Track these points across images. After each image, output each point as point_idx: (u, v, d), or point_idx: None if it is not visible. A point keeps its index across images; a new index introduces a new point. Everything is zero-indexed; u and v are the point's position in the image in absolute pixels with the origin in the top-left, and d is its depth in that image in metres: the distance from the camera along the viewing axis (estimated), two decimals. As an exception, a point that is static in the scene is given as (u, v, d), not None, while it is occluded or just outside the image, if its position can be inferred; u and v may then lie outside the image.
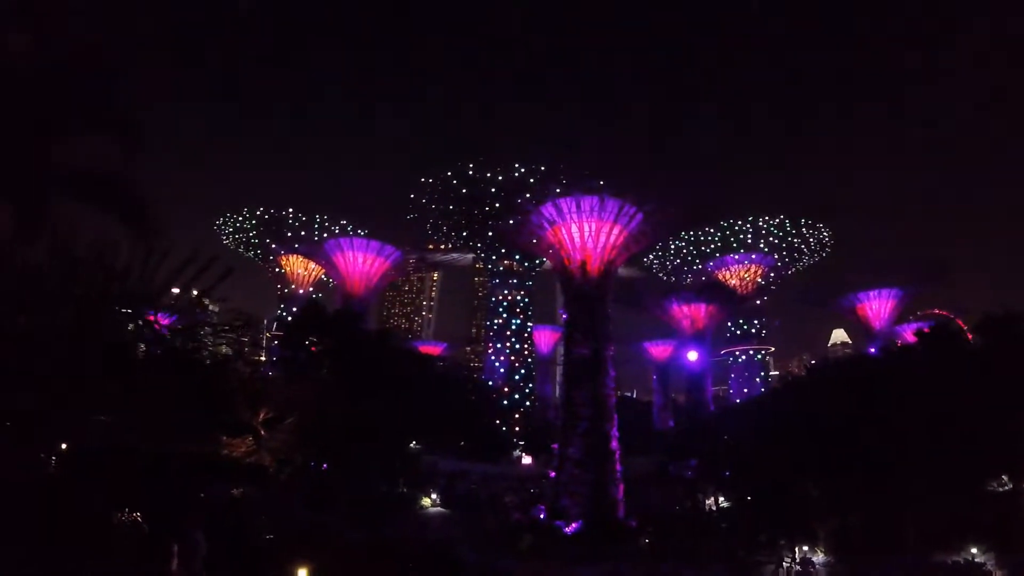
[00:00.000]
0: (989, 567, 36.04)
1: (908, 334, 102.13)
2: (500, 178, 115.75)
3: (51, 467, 17.87)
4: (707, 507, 64.00)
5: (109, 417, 17.06)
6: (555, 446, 72.18)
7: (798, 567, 41.43)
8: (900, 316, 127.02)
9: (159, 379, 18.18)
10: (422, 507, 61.89)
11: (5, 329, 12.30)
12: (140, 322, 17.87)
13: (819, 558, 42.96)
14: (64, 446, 17.59)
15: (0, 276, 12.60)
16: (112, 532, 17.87)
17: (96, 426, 16.75)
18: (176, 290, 16.64)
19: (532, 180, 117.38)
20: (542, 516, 60.69)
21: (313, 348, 55.62)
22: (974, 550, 36.89)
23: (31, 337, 12.72)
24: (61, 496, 15.18)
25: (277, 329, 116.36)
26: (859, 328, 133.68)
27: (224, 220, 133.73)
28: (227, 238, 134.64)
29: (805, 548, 44.19)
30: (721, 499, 62.04)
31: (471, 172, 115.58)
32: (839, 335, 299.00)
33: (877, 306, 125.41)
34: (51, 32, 14.74)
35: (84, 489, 16.28)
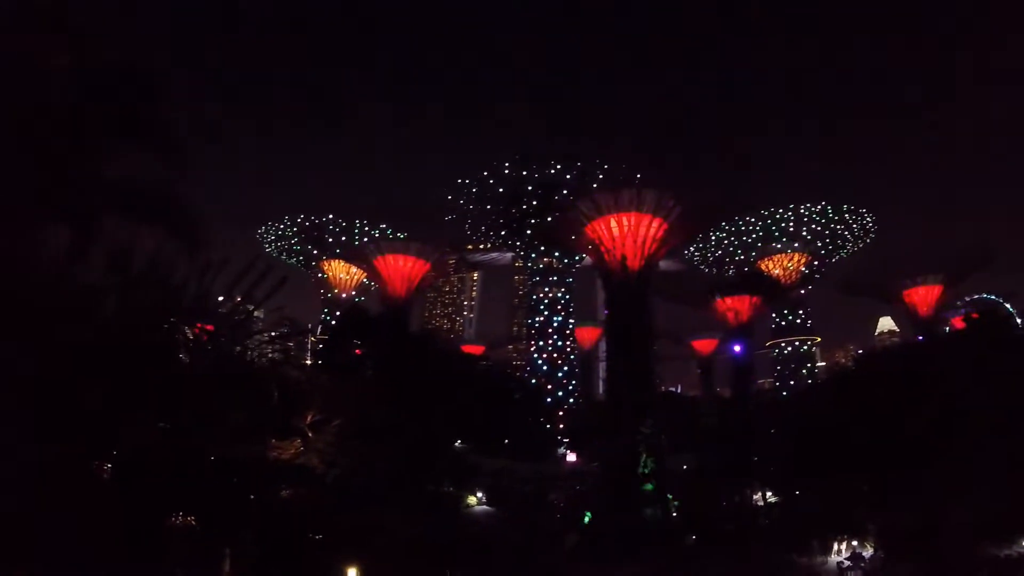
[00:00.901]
0: None
1: (956, 320, 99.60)
2: (537, 176, 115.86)
3: (107, 473, 18.45)
4: (754, 502, 63.26)
5: (164, 423, 17.63)
6: (599, 443, 72.05)
7: (848, 562, 40.83)
8: (947, 302, 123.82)
9: (210, 385, 18.74)
10: (467, 505, 62.27)
11: (65, 342, 12.82)
12: (193, 333, 18.47)
13: (868, 552, 42.27)
14: (116, 452, 18.14)
15: (58, 292, 13.12)
16: (166, 535, 18.41)
17: (150, 432, 17.32)
18: (228, 299, 17.13)
19: (569, 176, 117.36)
20: (587, 514, 60.66)
21: (357, 351, 56.43)
22: None
23: (90, 350, 13.24)
24: (117, 501, 15.68)
25: (322, 333, 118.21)
26: (906, 316, 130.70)
27: (266, 228, 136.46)
28: (269, 246, 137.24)
29: (855, 543, 43.54)
30: (768, 494, 61.28)
31: (508, 171, 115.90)
32: (886, 323, 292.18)
33: (923, 293, 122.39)
34: (94, 50, 15.21)
35: (139, 494, 16.79)
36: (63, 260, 13.58)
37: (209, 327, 17.77)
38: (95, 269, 13.86)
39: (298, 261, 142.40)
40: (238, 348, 20.11)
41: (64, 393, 12.40)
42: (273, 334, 26.11)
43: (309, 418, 35.53)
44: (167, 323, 16.23)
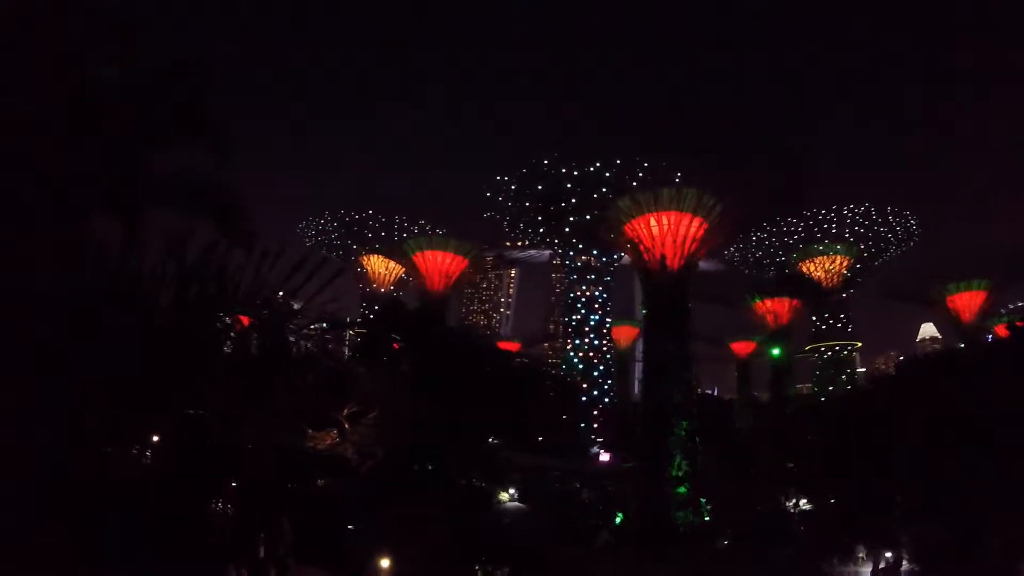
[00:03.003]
0: None
1: (1000, 328, 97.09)
2: (576, 173, 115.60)
3: (145, 461, 18.99)
4: (788, 508, 62.55)
5: (204, 411, 18.12)
6: (634, 443, 71.82)
7: (881, 572, 40.25)
8: (992, 309, 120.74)
9: (250, 374, 19.19)
10: (500, 502, 62.60)
11: (113, 329, 13.27)
12: (232, 320, 18.90)
13: (904, 565, 41.61)
14: (156, 439, 18.63)
15: (113, 280, 13.56)
16: (204, 523, 18.89)
17: (191, 421, 17.82)
18: (282, 291, 17.50)
19: (608, 174, 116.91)
20: (619, 514, 60.60)
21: (395, 345, 56.97)
22: None
23: (135, 338, 13.67)
24: (156, 489, 16.16)
25: (360, 327, 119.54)
26: (949, 322, 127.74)
27: (307, 223, 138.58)
28: (310, 240, 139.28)
29: (888, 554, 42.85)
30: (803, 501, 60.55)
31: (547, 167, 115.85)
32: (928, 330, 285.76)
33: (967, 299, 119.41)
34: (145, 42, 15.63)
35: (179, 480, 17.27)
36: (117, 251, 14.03)
37: (258, 319, 18.16)
38: (151, 261, 14.28)
39: (338, 255, 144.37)
40: (290, 339, 20.54)
41: (114, 384, 12.83)
42: (313, 327, 26.54)
43: (346, 410, 36.13)
44: (221, 315, 16.67)
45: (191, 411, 17.28)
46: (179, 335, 14.50)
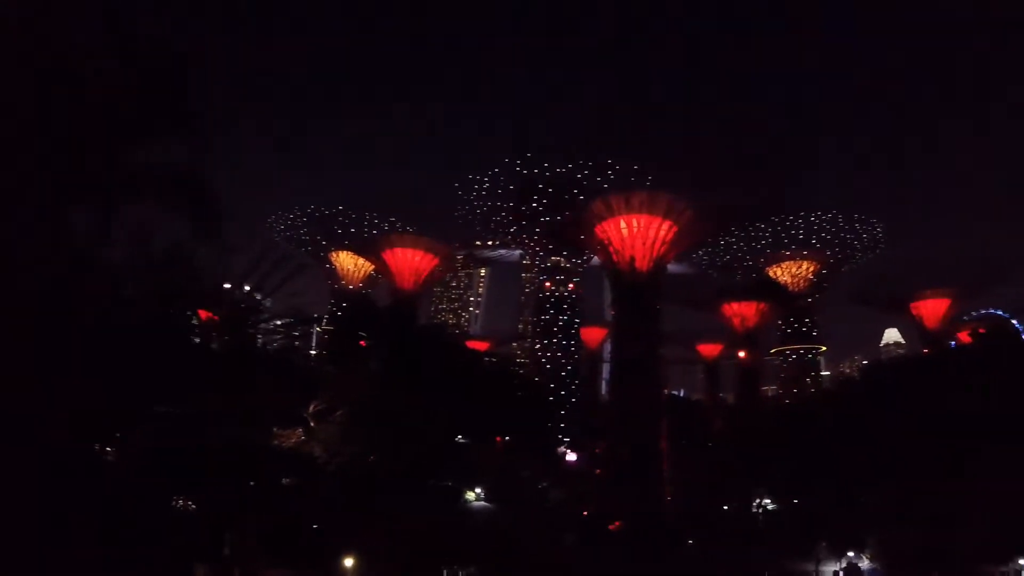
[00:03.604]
0: None
1: (963, 335, 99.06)
2: (548, 174, 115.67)
3: (110, 457, 18.52)
4: (755, 509, 63.16)
5: (167, 409, 17.68)
6: (601, 444, 72.03)
7: (844, 571, 40.71)
8: (955, 317, 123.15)
9: (217, 371, 18.78)
10: (468, 501, 62.27)
11: (80, 324, 12.86)
12: (199, 316, 18.51)
13: (865, 564, 42.14)
14: (119, 435, 18.20)
15: (80, 275, 13.16)
16: (168, 520, 18.48)
17: (155, 418, 17.38)
18: (242, 287, 17.19)
19: (581, 176, 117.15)
20: (586, 513, 60.65)
21: (363, 343, 56.47)
22: (1022, 561, 35.81)
23: (103, 332, 13.28)
24: (120, 486, 15.74)
25: (328, 324, 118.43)
26: (913, 328, 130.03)
27: (276, 217, 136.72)
28: (279, 235, 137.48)
29: (851, 553, 43.35)
30: (768, 502, 61.17)
31: (519, 168, 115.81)
32: (892, 335, 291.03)
33: (932, 306, 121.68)
34: (123, 35, 15.26)
35: (142, 479, 16.85)
36: (86, 243, 13.64)
37: (220, 314, 17.84)
38: (119, 252, 13.91)
39: (306, 251, 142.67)
40: (255, 335, 20.24)
41: (81, 374, 12.44)
42: (279, 323, 26.15)
43: (313, 407, 35.67)
44: (187, 307, 16.35)
45: (155, 408, 16.90)
46: (144, 329, 14.15)
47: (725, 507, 62.83)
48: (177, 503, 19.63)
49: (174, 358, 15.40)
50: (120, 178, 15.37)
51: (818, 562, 44.52)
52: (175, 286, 14.52)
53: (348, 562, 25.63)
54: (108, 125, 14.56)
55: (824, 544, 45.16)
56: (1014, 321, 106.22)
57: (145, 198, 16.24)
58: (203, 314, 19.45)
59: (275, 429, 28.06)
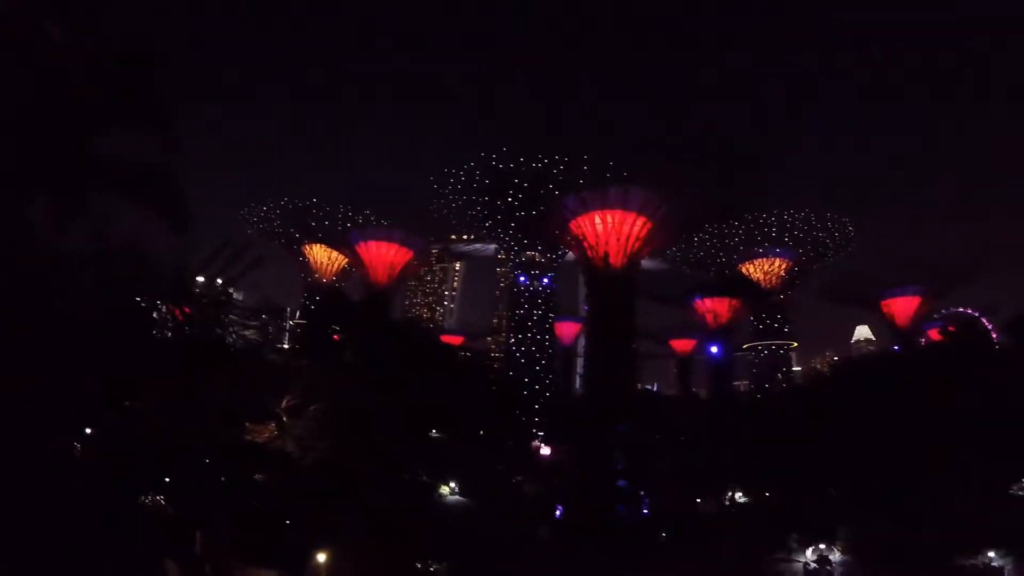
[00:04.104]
0: (1008, 571, 35.71)
1: (933, 332, 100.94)
2: (524, 169, 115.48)
3: (77, 452, 18.23)
4: (725, 502, 63.78)
5: (135, 403, 17.41)
6: (575, 438, 72.22)
7: (814, 564, 41.28)
8: (926, 314, 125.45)
9: (185, 366, 18.53)
10: (441, 496, 62.20)
11: (39, 315, 12.60)
12: (167, 310, 18.22)
13: (836, 556, 42.75)
14: (89, 431, 17.95)
15: (38, 264, 12.90)
16: (137, 516, 18.23)
17: (122, 412, 17.10)
18: (206, 279, 16.96)
19: (556, 171, 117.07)
20: (559, 508, 60.83)
21: (336, 336, 56.05)
22: (991, 554, 36.52)
23: (65, 323, 13.03)
24: (87, 481, 15.49)
25: (301, 317, 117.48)
26: (884, 325, 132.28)
27: (249, 210, 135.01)
28: (252, 228, 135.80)
29: (822, 546, 43.96)
30: (739, 495, 61.81)
31: (495, 162, 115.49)
32: (862, 332, 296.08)
33: (903, 304, 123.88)
34: (92, 29, 14.97)
35: (110, 474, 16.60)
36: (47, 232, 13.35)
37: (187, 309, 17.57)
38: (77, 243, 13.62)
39: (280, 244, 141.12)
40: (218, 330, 19.97)
41: (39, 365, 12.19)
42: (251, 316, 25.86)
43: (286, 402, 35.40)
44: (146, 297, 16.04)
45: (123, 403, 16.63)
46: (106, 320, 13.90)
47: (698, 500, 63.37)
48: (147, 499, 19.36)
49: (128, 350, 15.11)
50: (83, 168, 15.09)
51: (790, 554, 45.10)
52: (131, 276, 14.24)
53: (321, 558, 25.45)
54: (72, 115, 14.28)
55: (795, 537, 45.77)
56: (983, 320, 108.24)
57: (109, 189, 15.96)
58: (176, 311, 19.17)
59: (248, 424, 27.80)
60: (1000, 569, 35.88)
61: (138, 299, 16.40)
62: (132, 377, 16.48)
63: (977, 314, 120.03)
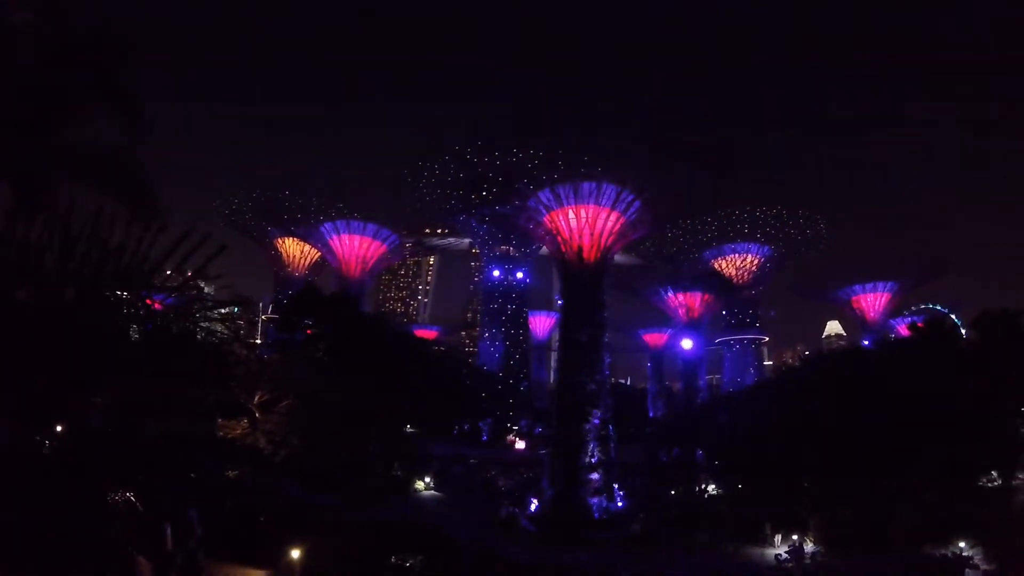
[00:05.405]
0: (977, 560, 36.36)
1: (902, 328, 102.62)
2: (498, 163, 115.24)
3: (44, 448, 17.82)
4: (699, 494, 64.33)
5: (104, 398, 17.02)
6: (549, 431, 72.38)
7: (786, 555, 41.73)
8: (895, 310, 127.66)
9: (154, 359, 18.13)
10: (416, 490, 62.14)
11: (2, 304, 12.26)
12: (135, 301, 17.79)
13: (809, 547, 43.29)
14: (59, 427, 17.53)
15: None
16: (105, 513, 17.85)
17: (91, 407, 16.71)
18: (170, 270, 16.55)
19: (530, 165, 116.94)
20: (534, 500, 60.98)
21: (309, 331, 55.63)
22: (962, 544, 37.19)
23: (27, 314, 12.67)
24: (54, 477, 15.15)
25: (273, 311, 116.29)
26: (853, 321, 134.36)
27: (220, 202, 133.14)
28: (223, 220, 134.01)
29: (795, 537, 44.52)
30: (711, 487, 62.37)
31: (469, 156, 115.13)
32: (833, 327, 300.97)
33: (872, 299, 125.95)
34: (56, 9, 14.58)
35: (77, 470, 16.24)
36: (6, 219, 12.94)
37: (156, 304, 17.11)
38: (38, 230, 13.23)
39: (251, 237, 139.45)
40: (176, 319, 19.45)
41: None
42: (221, 309, 25.37)
43: (258, 398, 34.99)
44: (107, 285, 15.54)
45: (88, 397, 16.21)
46: (68, 311, 13.55)
47: (672, 492, 63.85)
48: (117, 496, 18.93)
49: (92, 341, 14.69)
50: (42, 153, 14.71)
51: (762, 544, 45.61)
52: (93, 265, 13.82)
53: (295, 554, 25.15)
54: (31, 97, 13.91)
55: (768, 527, 46.32)
56: (952, 316, 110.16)
57: (72, 176, 15.57)
58: (139, 303, 18.71)
59: (220, 420, 27.39)
60: (969, 558, 36.54)
61: (102, 289, 15.94)
62: (97, 370, 16.03)
63: (946, 310, 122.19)
